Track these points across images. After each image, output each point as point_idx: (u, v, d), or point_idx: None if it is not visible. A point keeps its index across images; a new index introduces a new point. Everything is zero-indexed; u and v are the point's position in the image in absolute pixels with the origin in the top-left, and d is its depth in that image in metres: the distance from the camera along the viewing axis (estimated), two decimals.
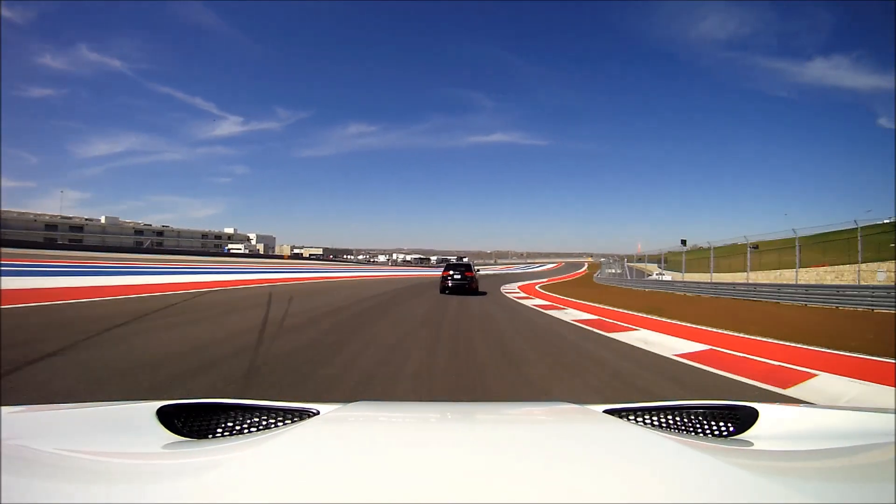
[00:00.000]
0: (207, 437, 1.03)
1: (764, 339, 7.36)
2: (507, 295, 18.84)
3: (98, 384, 3.65)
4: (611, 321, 9.77)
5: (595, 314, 11.32)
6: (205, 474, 0.68)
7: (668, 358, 5.88)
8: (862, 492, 0.67)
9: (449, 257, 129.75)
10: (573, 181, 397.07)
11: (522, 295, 19.18)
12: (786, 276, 28.83)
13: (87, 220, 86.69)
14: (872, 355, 5.87)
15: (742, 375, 4.90)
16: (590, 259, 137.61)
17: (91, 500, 0.58)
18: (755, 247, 23.54)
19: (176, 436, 0.97)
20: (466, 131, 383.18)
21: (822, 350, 6.39)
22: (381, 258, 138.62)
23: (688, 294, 22.96)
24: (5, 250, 28.54)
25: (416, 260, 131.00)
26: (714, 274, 30.19)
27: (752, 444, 1.00)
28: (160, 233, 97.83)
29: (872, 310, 13.16)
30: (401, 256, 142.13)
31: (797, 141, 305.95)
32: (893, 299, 12.84)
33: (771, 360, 5.76)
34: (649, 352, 6.29)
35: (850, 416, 1.20)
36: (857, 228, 27.71)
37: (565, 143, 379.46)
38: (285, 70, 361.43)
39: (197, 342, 5.57)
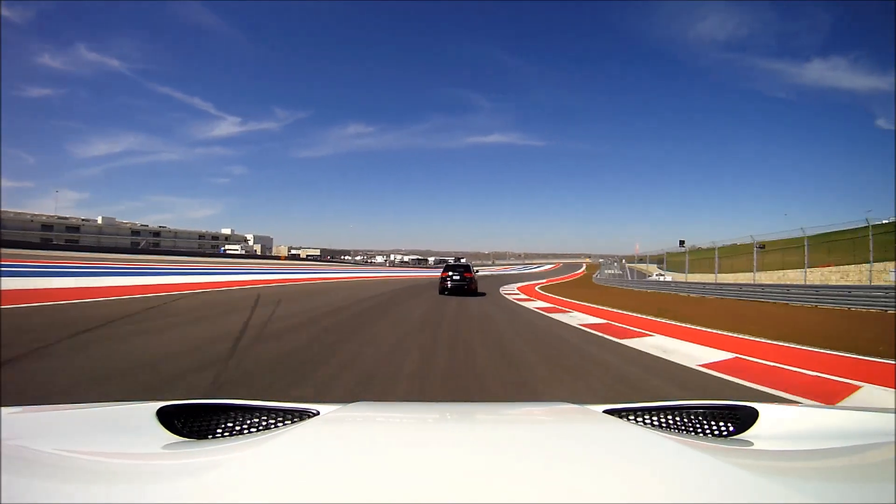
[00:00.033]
0: (207, 438, 1.02)
1: (789, 345, 6.80)
2: (507, 296, 18.18)
3: (30, 399, 3.27)
4: (621, 325, 9.15)
5: (602, 317, 10.70)
6: (205, 474, 0.68)
7: (692, 369, 5.27)
8: (862, 492, 0.67)
9: (447, 258, 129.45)
10: (571, 181, 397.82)
11: (523, 296, 18.49)
12: (790, 276, 28.39)
13: (83, 220, 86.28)
14: None
15: (780, 389, 4.34)
16: (588, 260, 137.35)
17: (91, 501, 0.58)
18: (762, 246, 23.00)
19: (176, 436, 0.96)
20: (464, 132, 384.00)
21: (855, 356, 5.88)
22: (379, 259, 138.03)
23: (691, 295, 22.39)
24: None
25: (413, 261, 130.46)
26: (717, 274, 29.81)
27: (752, 444, 1.00)
28: (157, 233, 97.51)
29: (886, 311, 12.68)
30: (398, 257, 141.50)
31: (796, 141, 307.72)
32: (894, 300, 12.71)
33: (805, 369, 5.23)
34: (670, 361, 5.67)
35: (850, 416, 1.19)
36: (867, 227, 27.28)
37: (563, 143, 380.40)
38: (284, 70, 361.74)
39: (159, 353, 4.95)
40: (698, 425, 1.15)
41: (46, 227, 77.02)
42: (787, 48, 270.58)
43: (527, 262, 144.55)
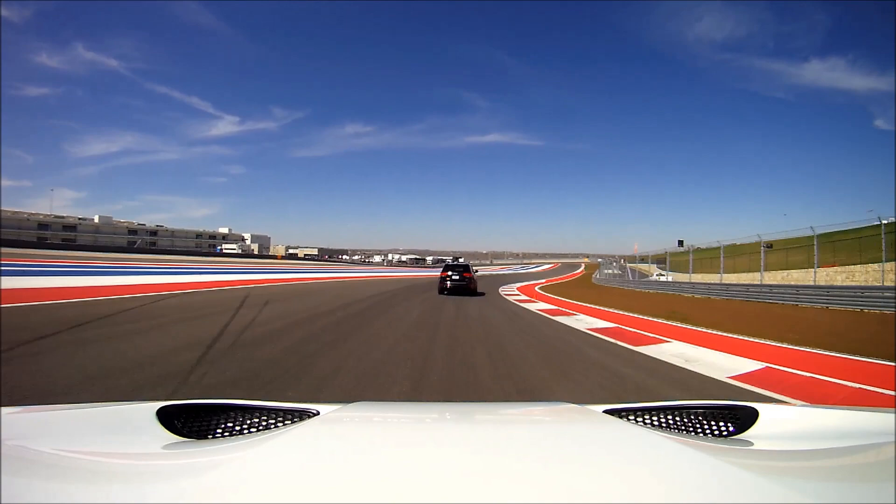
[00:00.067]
0: (207, 438, 1.02)
1: (820, 352, 6.24)
2: (507, 298, 17.49)
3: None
4: (633, 330, 8.47)
5: (611, 321, 10.03)
6: (205, 475, 0.68)
7: (723, 382, 4.66)
8: (862, 492, 0.67)
9: (445, 257, 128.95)
10: (569, 181, 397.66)
11: (523, 297, 17.79)
12: (794, 276, 27.92)
13: (80, 219, 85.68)
14: None
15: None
16: (586, 259, 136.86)
17: (91, 501, 0.58)
18: (769, 246, 22.45)
19: (176, 436, 0.96)
20: (462, 131, 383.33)
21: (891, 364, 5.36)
22: (377, 258, 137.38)
23: (696, 296, 21.81)
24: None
25: (411, 260, 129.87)
26: (722, 275, 29.26)
27: (752, 444, 1.00)
28: (154, 232, 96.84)
29: None
30: (396, 257, 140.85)
31: (794, 142, 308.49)
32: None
33: (847, 381, 4.68)
34: (696, 373, 5.05)
35: (850, 415, 1.17)
36: (869, 227, 26.77)
37: (561, 143, 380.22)
38: (282, 70, 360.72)
39: (118, 362, 4.34)
40: (698, 425, 1.14)
41: (43, 225, 76.51)
42: (786, 48, 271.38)
43: (525, 261, 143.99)
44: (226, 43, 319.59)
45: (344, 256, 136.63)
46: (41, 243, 55.29)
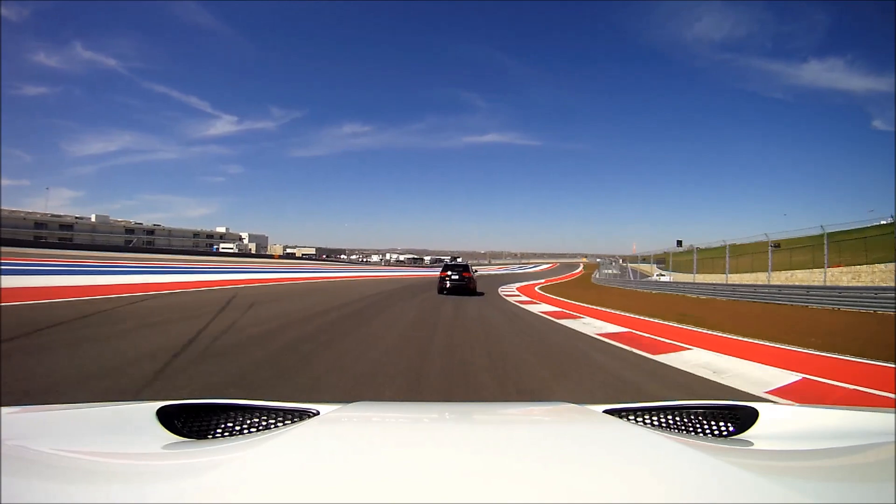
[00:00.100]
0: (207, 438, 1.01)
1: (852, 359, 5.71)
2: (507, 298, 16.87)
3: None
4: (647, 335, 7.81)
5: (620, 324, 9.38)
6: (205, 475, 0.68)
7: (764, 400, 4.04)
8: (862, 492, 0.67)
9: (443, 257, 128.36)
10: (567, 181, 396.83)
11: (524, 298, 17.17)
12: (798, 276, 27.45)
13: (77, 218, 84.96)
14: None
15: None
16: (585, 259, 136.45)
17: (91, 501, 0.58)
18: (777, 245, 21.92)
19: (176, 436, 0.96)
20: (461, 131, 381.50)
21: None
22: (375, 258, 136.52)
23: (701, 297, 21.25)
24: None
25: (409, 260, 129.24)
26: (722, 275, 28.74)
27: (752, 444, 1.00)
28: (151, 232, 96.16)
29: None
30: (394, 256, 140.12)
31: (792, 142, 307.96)
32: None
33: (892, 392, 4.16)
34: (728, 387, 4.48)
35: (850, 415, 1.17)
36: (872, 227, 26.30)
37: (559, 143, 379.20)
38: (280, 69, 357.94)
39: (67, 372, 3.80)
40: (698, 425, 1.13)
41: (40, 224, 75.87)
42: (784, 49, 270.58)
43: (523, 261, 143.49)
44: (224, 42, 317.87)
45: (342, 256, 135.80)
46: (36, 242, 54.55)
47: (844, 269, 26.53)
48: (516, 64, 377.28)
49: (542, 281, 39.78)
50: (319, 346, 5.69)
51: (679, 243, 41.73)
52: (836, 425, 1.11)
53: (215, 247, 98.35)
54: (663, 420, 1.16)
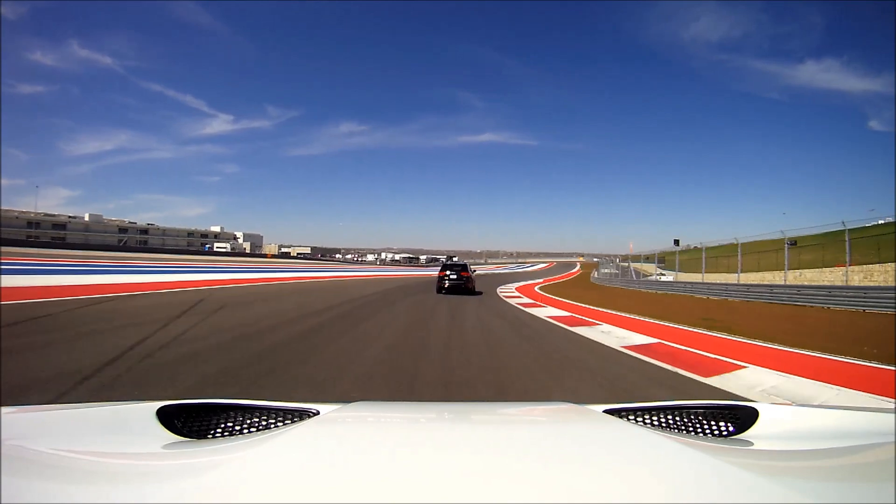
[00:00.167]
0: (207, 438, 1.01)
1: None
2: (508, 300, 15.56)
3: None
4: (682, 348, 6.51)
5: (645, 333, 7.95)
6: (205, 474, 0.68)
7: None
8: (862, 492, 0.67)
9: (438, 256, 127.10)
10: (564, 181, 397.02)
11: (527, 301, 15.80)
12: (807, 276, 26.53)
13: (70, 217, 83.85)
14: None
15: None
16: (581, 259, 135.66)
17: (91, 501, 0.58)
18: (793, 243, 20.79)
19: (176, 436, 0.95)
20: (457, 131, 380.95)
21: None
22: (370, 257, 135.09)
23: (712, 298, 20.13)
24: None
25: (405, 259, 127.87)
26: (729, 274, 27.69)
27: (752, 444, 1.00)
28: (145, 231, 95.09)
29: None
30: (390, 256, 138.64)
31: (789, 142, 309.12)
32: None
33: None
34: None
35: (850, 416, 1.17)
36: (876, 225, 25.32)
37: (556, 142, 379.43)
38: (277, 68, 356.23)
39: None
40: (698, 425, 1.13)
41: (33, 224, 74.83)
42: (781, 50, 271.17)
43: (519, 260, 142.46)
44: (220, 41, 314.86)
45: (337, 255, 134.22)
46: (26, 241, 53.00)
47: (854, 268, 25.60)
48: (513, 63, 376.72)
49: (541, 280, 38.65)
50: (264, 375, 4.26)
51: (676, 242, 41.09)
52: (836, 425, 1.10)
53: (207, 246, 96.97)
54: (663, 420, 1.15)
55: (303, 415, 1.09)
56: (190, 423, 1.03)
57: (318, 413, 1.08)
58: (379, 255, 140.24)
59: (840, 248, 25.59)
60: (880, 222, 25.53)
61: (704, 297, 20.74)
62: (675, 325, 9.23)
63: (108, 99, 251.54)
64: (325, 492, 0.58)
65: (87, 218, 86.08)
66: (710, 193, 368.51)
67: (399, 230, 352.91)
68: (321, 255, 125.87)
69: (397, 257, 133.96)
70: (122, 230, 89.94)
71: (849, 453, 0.90)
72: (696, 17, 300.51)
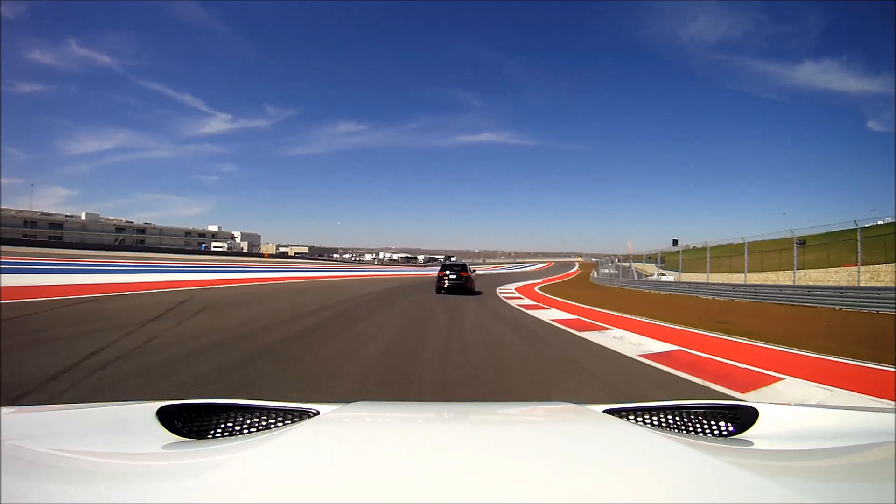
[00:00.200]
0: (207, 438, 1.01)
1: None
2: (509, 302, 14.92)
3: None
4: (705, 356, 5.85)
5: (661, 338, 7.28)
6: (205, 475, 0.68)
7: None
8: (862, 492, 0.67)
9: (436, 256, 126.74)
10: (562, 181, 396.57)
11: (528, 302, 15.15)
12: (812, 276, 26.11)
13: (66, 216, 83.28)
14: None
15: None
16: (579, 259, 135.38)
17: (91, 501, 0.58)
18: (802, 242, 20.29)
19: (176, 436, 0.95)
20: (455, 130, 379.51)
21: None
22: (368, 257, 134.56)
23: (718, 298, 19.61)
24: None
25: (402, 259, 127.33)
26: (732, 274, 27.22)
27: (752, 444, 1.00)
28: (142, 230, 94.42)
29: None
30: (388, 255, 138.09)
31: (788, 142, 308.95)
32: None
33: None
34: None
35: (850, 416, 1.17)
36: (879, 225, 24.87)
37: (554, 142, 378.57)
38: (275, 68, 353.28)
39: None
40: (698, 425, 1.13)
41: (30, 223, 74.30)
42: (780, 50, 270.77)
43: (518, 260, 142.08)
44: (219, 40, 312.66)
45: (335, 255, 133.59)
46: (19, 240, 52.37)
47: (861, 267, 25.18)
48: (511, 63, 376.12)
49: (540, 280, 38.13)
50: (229, 390, 3.72)
51: (675, 242, 40.90)
52: (836, 425, 1.10)
53: (203, 245, 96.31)
54: (663, 420, 1.14)
55: (303, 415, 1.08)
56: (190, 423, 1.02)
57: (318, 413, 1.08)
58: (377, 254, 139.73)
59: (844, 248, 25.22)
60: (880, 223, 25.15)
61: (710, 297, 20.23)
62: (690, 329, 8.61)
63: (107, 98, 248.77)
64: (326, 492, 0.58)
65: (83, 217, 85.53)
66: (708, 193, 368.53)
67: (397, 230, 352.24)
68: (319, 254, 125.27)
69: (395, 257, 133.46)
70: (119, 229, 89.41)
71: (849, 453, 0.90)
72: (695, 17, 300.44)
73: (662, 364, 5.36)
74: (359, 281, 25.08)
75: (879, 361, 5.38)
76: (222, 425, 1.04)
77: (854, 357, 5.69)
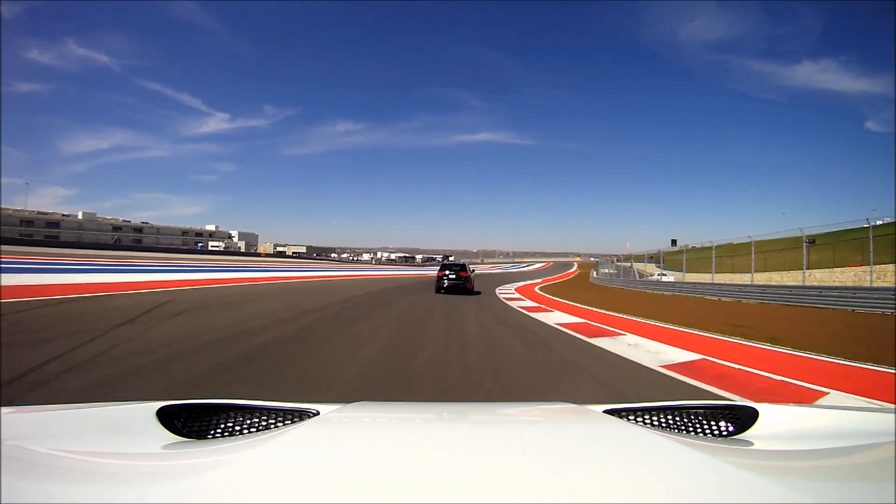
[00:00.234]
0: (207, 438, 1.00)
1: None
2: (510, 304, 14.27)
3: None
4: (733, 366, 5.25)
5: (678, 345, 6.61)
6: (205, 475, 0.67)
7: None
8: (862, 492, 0.66)
9: (434, 256, 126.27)
10: (561, 180, 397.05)
11: (530, 304, 14.45)
12: (816, 276, 25.66)
13: (63, 216, 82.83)
14: None
15: None
16: (578, 258, 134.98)
17: (91, 501, 0.57)
18: (812, 241, 19.77)
19: (176, 436, 0.95)
20: (453, 130, 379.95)
21: None
22: (366, 257, 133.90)
23: (723, 299, 19.11)
24: None
25: (400, 259, 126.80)
26: (734, 274, 26.77)
27: (752, 444, 0.99)
28: (139, 229, 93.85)
29: None
30: (385, 255, 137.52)
31: (788, 142, 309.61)
32: None
33: None
34: None
35: (850, 416, 1.17)
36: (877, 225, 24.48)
37: (553, 142, 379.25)
38: (274, 67, 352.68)
39: None
40: (698, 425, 1.12)
41: (26, 222, 73.84)
42: (778, 50, 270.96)
43: (516, 260, 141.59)
44: (218, 40, 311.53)
45: (333, 255, 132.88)
46: (15, 240, 51.69)
47: (866, 268, 24.79)
48: (510, 63, 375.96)
49: (540, 281, 37.63)
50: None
51: (674, 242, 40.63)
52: (836, 425, 1.10)
53: (200, 245, 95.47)
54: (663, 420, 1.14)
55: (303, 415, 1.07)
56: (190, 423, 1.01)
57: (318, 413, 1.07)
58: (375, 254, 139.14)
59: (848, 248, 24.78)
60: (879, 223, 24.80)
61: (716, 298, 19.71)
62: (707, 334, 8.02)
63: (105, 97, 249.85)
64: (326, 492, 0.58)
65: (80, 216, 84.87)
66: (707, 193, 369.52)
67: (395, 230, 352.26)
68: (317, 254, 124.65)
69: (393, 257, 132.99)
70: (116, 229, 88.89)
71: (849, 453, 0.89)
72: (693, 17, 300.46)
73: (688, 377, 4.77)
74: (355, 281, 24.52)
75: None
76: (222, 425, 1.03)
77: (889, 365, 5.18)
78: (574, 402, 1.29)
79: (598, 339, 7.38)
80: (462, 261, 31.30)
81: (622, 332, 8.15)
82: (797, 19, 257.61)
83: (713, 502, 0.57)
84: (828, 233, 22.41)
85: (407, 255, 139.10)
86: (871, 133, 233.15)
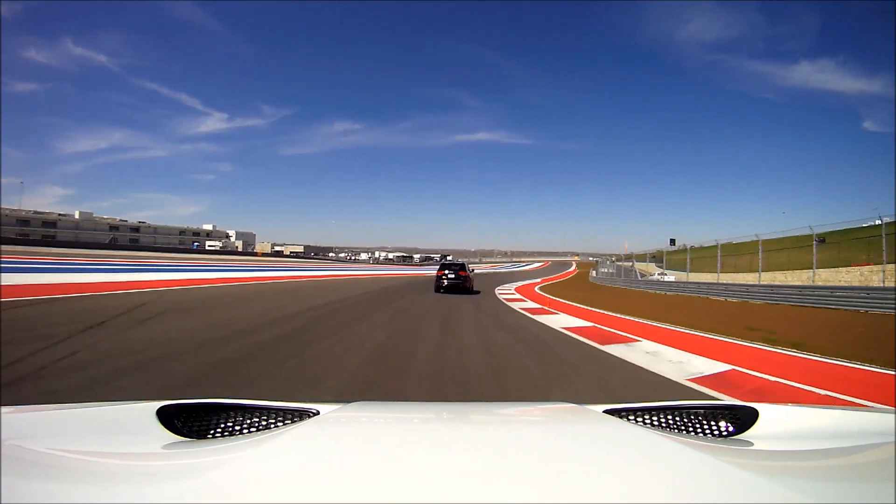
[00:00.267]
0: (207, 438, 1.00)
1: None
2: (510, 304, 13.75)
3: None
4: (767, 378, 4.70)
5: (698, 352, 6.08)
6: (205, 474, 0.67)
7: None
8: (862, 492, 0.66)
9: (432, 255, 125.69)
10: (560, 180, 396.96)
11: (531, 305, 13.85)
12: (821, 275, 25.22)
13: (60, 215, 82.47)
14: None
15: None
16: (576, 258, 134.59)
17: (91, 501, 0.57)
18: (822, 240, 19.29)
19: (176, 436, 0.95)
20: (451, 130, 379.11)
21: None
22: (364, 256, 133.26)
23: (729, 300, 18.63)
24: None
25: (398, 258, 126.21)
26: (736, 274, 26.33)
27: (752, 444, 0.99)
28: (136, 229, 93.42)
29: None
30: (383, 254, 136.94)
31: (787, 142, 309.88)
32: None
33: None
34: None
35: (850, 415, 1.16)
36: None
37: (552, 142, 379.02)
38: (271, 67, 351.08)
39: None
40: (698, 425, 1.12)
41: (23, 221, 73.54)
42: (776, 50, 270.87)
43: (514, 259, 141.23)
44: (215, 40, 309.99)
45: (331, 254, 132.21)
46: (11, 239, 51.10)
47: (873, 267, 24.40)
48: (508, 63, 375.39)
49: (539, 280, 37.14)
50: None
51: (672, 242, 40.54)
52: (836, 425, 1.09)
53: (196, 244, 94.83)
54: (663, 420, 1.13)
55: (303, 415, 1.07)
56: (190, 423, 1.01)
57: (318, 413, 1.07)
58: (373, 253, 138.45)
59: (853, 247, 24.34)
60: (878, 222, 24.45)
61: (722, 299, 19.23)
62: (726, 339, 7.45)
63: (103, 97, 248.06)
64: (326, 492, 0.58)
65: (77, 216, 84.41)
66: (706, 193, 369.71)
67: (393, 229, 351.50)
68: (314, 253, 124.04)
69: (391, 256, 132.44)
70: (113, 228, 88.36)
71: (848, 453, 0.89)
72: (691, 17, 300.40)
73: (722, 392, 4.21)
74: (353, 280, 24.03)
75: None
76: (222, 425, 1.02)
77: None
78: (574, 402, 1.27)
79: (612, 345, 6.80)
80: (461, 260, 30.93)
81: (637, 338, 7.55)
82: (795, 19, 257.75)
83: (713, 502, 0.57)
84: (832, 231, 22.00)
85: (405, 254, 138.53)
86: (868, 133, 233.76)
